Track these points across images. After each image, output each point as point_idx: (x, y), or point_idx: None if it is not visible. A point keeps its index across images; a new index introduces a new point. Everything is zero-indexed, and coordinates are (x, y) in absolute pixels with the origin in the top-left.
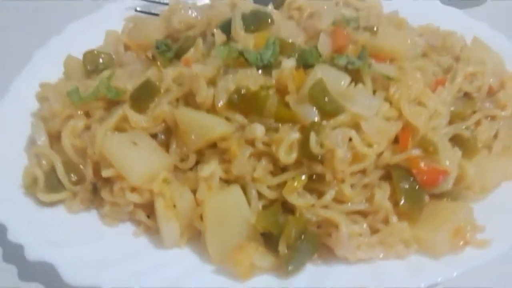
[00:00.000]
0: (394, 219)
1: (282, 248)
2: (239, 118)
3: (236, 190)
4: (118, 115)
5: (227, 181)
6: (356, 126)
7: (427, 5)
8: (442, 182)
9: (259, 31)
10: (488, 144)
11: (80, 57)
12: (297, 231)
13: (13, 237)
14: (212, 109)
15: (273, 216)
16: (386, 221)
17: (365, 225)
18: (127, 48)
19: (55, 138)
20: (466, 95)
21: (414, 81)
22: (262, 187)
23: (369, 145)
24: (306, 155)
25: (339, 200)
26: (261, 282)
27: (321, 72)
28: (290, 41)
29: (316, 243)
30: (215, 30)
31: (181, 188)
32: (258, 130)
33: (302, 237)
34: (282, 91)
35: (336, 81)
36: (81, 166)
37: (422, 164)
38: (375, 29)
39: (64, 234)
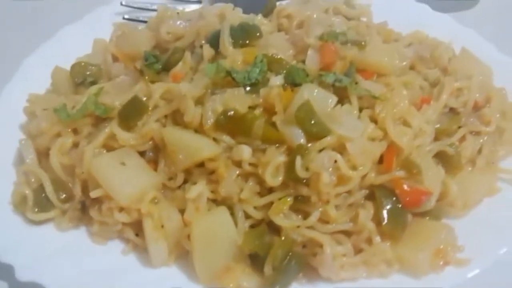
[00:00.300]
0: (377, 239)
1: (268, 269)
2: (226, 139)
3: (223, 212)
4: (106, 133)
5: (214, 201)
6: (342, 147)
7: (417, 11)
8: (425, 202)
9: (248, 45)
10: (472, 159)
11: (70, 63)
12: (282, 252)
13: (3, 257)
14: (199, 128)
15: (259, 238)
16: (369, 241)
17: (349, 245)
18: (115, 58)
19: (43, 155)
20: (452, 110)
21: (400, 99)
22: (248, 208)
23: (354, 168)
24: (292, 178)
25: (324, 220)
26: None
27: (308, 93)
28: (278, 56)
29: (301, 263)
30: (203, 42)
31: (169, 209)
32: (245, 152)
33: (288, 258)
34: (269, 110)
35: (322, 101)
36: (70, 184)
37: (405, 186)
38: (363, 43)
39: (53, 252)
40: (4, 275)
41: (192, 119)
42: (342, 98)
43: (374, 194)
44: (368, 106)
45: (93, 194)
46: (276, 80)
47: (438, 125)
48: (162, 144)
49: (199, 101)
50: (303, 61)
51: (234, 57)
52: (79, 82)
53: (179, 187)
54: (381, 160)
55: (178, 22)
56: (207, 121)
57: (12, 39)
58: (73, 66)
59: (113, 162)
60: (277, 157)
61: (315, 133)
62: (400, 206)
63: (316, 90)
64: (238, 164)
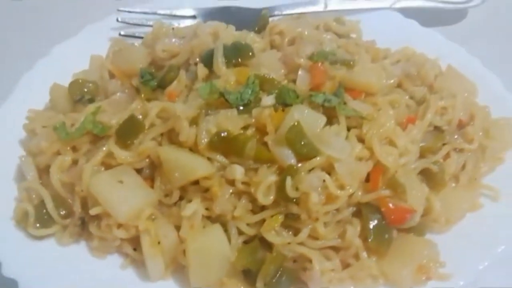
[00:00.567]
0: (364, 254)
1: (260, 284)
2: (220, 158)
3: (217, 229)
4: (104, 151)
5: (209, 218)
6: (330, 167)
7: (405, 27)
8: (409, 220)
9: (241, 64)
10: (456, 175)
11: (67, 78)
12: (274, 268)
13: (7, 272)
14: (194, 147)
15: (251, 255)
16: (356, 256)
17: (337, 261)
18: (111, 74)
19: (43, 172)
20: (436, 128)
21: (386, 119)
22: (241, 225)
23: (342, 187)
24: (282, 197)
25: (313, 237)
26: None
27: (298, 114)
28: (270, 76)
29: (291, 278)
30: (197, 61)
31: (166, 226)
32: (238, 171)
33: (279, 273)
34: (261, 130)
35: (312, 122)
36: (70, 201)
37: (390, 204)
38: (352, 63)
39: (55, 266)
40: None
41: (186, 139)
42: (331, 117)
43: (361, 211)
44: (356, 125)
45: (93, 211)
46: (268, 101)
47: (423, 143)
48: (158, 162)
49: (194, 121)
50: (294, 80)
51: (227, 77)
52: (77, 99)
53: (175, 203)
54: (367, 178)
55: (173, 40)
56: (201, 141)
57: (8, 56)
58: (71, 84)
59: (111, 180)
60: (268, 177)
61: (305, 153)
62: (385, 223)
63: (306, 111)
64: (232, 183)
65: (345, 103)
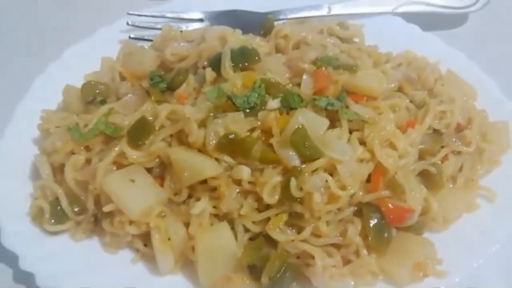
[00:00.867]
0: (364, 252)
1: (265, 279)
2: (227, 159)
3: (224, 227)
4: (116, 151)
5: (216, 216)
6: (333, 168)
7: (407, 32)
8: (408, 219)
9: (247, 68)
10: (453, 176)
11: (79, 80)
12: (278, 264)
13: (24, 265)
14: (202, 148)
15: (257, 251)
16: (357, 253)
17: (338, 257)
18: (122, 76)
19: (58, 170)
20: (435, 131)
21: (387, 123)
22: (247, 223)
23: (343, 187)
24: (287, 197)
25: (316, 234)
26: None
27: (302, 117)
28: (275, 80)
29: (295, 273)
30: (205, 64)
31: (175, 223)
32: (244, 172)
33: (283, 268)
34: (267, 132)
35: (315, 125)
36: (83, 198)
37: (390, 204)
38: (354, 67)
39: (69, 261)
40: (26, 283)
41: (195, 140)
42: (334, 120)
43: (361, 211)
44: (358, 128)
45: (106, 208)
46: (273, 104)
47: (422, 146)
48: (168, 162)
49: (202, 123)
50: (298, 84)
51: (234, 81)
52: (89, 100)
53: (184, 201)
54: (368, 179)
55: (182, 44)
56: (210, 143)
57: (22, 58)
58: (83, 86)
59: (123, 179)
60: (273, 177)
61: (309, 155)
62: (385, 222)
63: (309, 115)
64: (238, 182)
65: (347, 107)
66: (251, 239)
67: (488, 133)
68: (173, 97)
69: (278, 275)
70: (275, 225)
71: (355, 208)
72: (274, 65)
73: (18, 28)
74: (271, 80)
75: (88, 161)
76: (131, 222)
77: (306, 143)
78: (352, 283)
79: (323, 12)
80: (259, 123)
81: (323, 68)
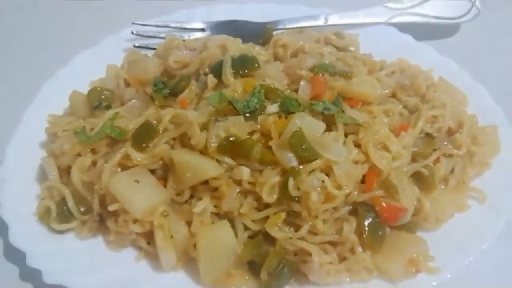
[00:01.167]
0: (359, 249)
1: (264, 275)
2: (228, 160)
3: (225, 225)
4: (121, 153)
5: (217, 215)
6: (329, 169)
7: (401, 41)
8: (401, 218)
9: (247, 75)
10: (445, 178)
11: (85, 87)
12: (277, 260)
13: (31, 262)
14: (204, 150)
15: (256, 248)
16: (352, 251)
17: (334, 254)
18: (126, 82)
19: (64, 172)
20: (428, 135)
21: (381, 126)
22: (247, 221)
23: (339, 187)
24: (285, 196)
25: (313, 232)
26: None
27: (300, 121)
28: (274, 86)
29: (292, 270)
30: (207, 71)
31: (177, 221)
32: (244, 172)
33: (281, 265)
34: (266, 135)
35: (313, 128)
36: (89, 198)
37: (384, 203)
38: (350, 74)
39: (75, 259)
40: (32, 279)
41: (198, 142)
42: (330, 124)
43: (357, 210)
44: (353, 132)
45: (111, 208)
46: (272, 108)
47: (415, 149)
48: (171, 164)
49: (204, 127)
50: (296, 90)
51: (235, 87)
52: (95, 105)
53: (186, 201)
54: (363, 180)
55: (185, 52)
56: (211, 145)
57: (31, 65)
58: (90, 92)
59: (128, 180)
60: (272, 178)
61: (306, 157)
62: (379, 221)
63: (307, 119)
64: (238, 183)
65: (343, 111)
66: (250, 237)
67: (478, 137)
68: (176, 102)
69: (277, 271)
70: (274, 223)
71: (351, 208)
72: (273, 72)
73: (27, 36)
74: (270, 86)
75: (94, 163)
76: (135, 221)
77: (303, 145)
78: (348, 279)
79: (320, 22)
80: (258, 126)
81: (320, 75)
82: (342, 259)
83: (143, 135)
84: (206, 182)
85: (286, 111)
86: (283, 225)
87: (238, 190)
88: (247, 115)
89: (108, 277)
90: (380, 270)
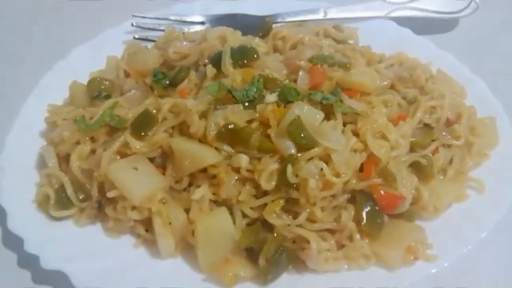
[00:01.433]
0: (357, 236)
1: (262, 261)
2: (226, 148)
3: (223, 212)
4: (120, 142)
5: (215, 202)
6: (327, 157)
7: (399, 35)
8: (399, 206)
9: (246, 65)
10: (444, 168)
11: (84, 79)
12: (275, 247)
13: (30, 248)
14: (203, 139)
15: (254, 235)
16: (350, 238)
17: (333, 241)
18: (126, 73)
19: (63, 159)
20: (426, 125)
21: (379, 116)
22: (245, 208)
23: (338, 175)
24: (283, 183)
25: (311, 220)
26: None
27: (298, 109)
28: (273, 76)
29: (290, 256)
30: (206, 62)
31: (176, 208)
32: (243, 160)
33: (279, 252)
34: (264, 124)
35: (311, 117)
36: (87, 185)
37: (382, 191)
38: (348, 65)
39: (73, 245)
40: (30, 265)
41: (197, 130)
42: (329, 114)
43: (355, 198)
44: (352, 121)
45: (110, 194)
46: (271, 98)
47: (414, 139)
48: (170, 152)
49: (203, 115)
50: (295, 81)
51: (234, 77)
52: (94, 95)
53: (185, 189)
54: (361, 169)
55: (184, 43)
56: (210, 133)
57: (30, 57)
58: (89, 82)
59: (127, 167)
60: (271, 165)
61: (304, 145)
62: (377, 208)
63: (305, 107)
64: (237, 170)
65: (341, 101)
66: (248, 224)
67: (476, 128)
68: (175, 92)
69: (275, 258)
70: (272, 210)
71: (349, 196)
72: (272, 63)
73: (27, 28)
74: (269, 75)
75: (93, 151)
76: (133, 208)
77: (302, 133)
78: (346, 266)
79: (319, 16)
80: (257, 115)
81: (319, 65)
82: (340, 246)
83: (142, 124)
84: (204, 170)
85: (285, 100)
86: (281, 212)
87: (236, 177)
88: (246, 104)
89: (106, 263)
90: (378, 257)
